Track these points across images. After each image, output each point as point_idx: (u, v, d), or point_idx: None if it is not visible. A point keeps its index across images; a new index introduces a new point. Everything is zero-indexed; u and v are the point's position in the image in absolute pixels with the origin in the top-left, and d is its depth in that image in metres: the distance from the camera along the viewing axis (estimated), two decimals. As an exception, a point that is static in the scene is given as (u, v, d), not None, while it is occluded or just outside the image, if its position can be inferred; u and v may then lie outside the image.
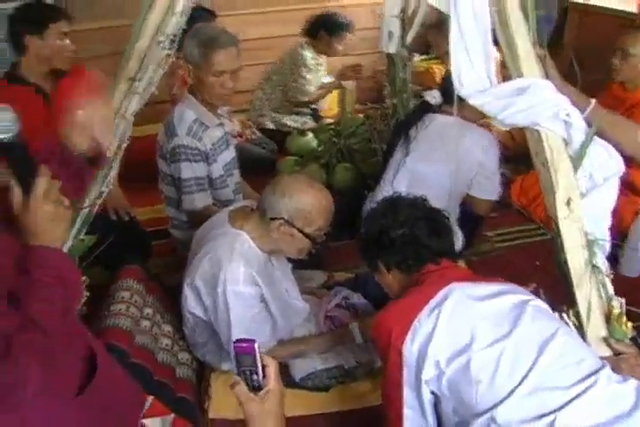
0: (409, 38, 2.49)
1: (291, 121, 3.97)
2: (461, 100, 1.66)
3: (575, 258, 1.49)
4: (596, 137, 1.50)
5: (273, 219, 1.81)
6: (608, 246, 1.56)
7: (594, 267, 1.53)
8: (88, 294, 1.82)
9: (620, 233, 2.41)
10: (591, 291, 1.49)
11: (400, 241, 1.62)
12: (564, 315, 1.53)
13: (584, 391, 1.29)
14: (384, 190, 2.57)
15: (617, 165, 1.51)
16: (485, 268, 2.50)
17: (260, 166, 3.50)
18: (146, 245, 2.80)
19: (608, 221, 1.54)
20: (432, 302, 1.43)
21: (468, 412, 1.37)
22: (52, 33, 2.38)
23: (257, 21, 4.34)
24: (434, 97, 2.62)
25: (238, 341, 1.10)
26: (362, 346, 1.99)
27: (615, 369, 1.42)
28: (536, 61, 1.50)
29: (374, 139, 3.32)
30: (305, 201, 1.79)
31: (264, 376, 1.11)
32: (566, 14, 3.75)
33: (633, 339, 1.54)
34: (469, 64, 1.55)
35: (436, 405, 1.46)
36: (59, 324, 1.11)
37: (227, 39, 2.26)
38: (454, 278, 1.51)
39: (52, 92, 2.49)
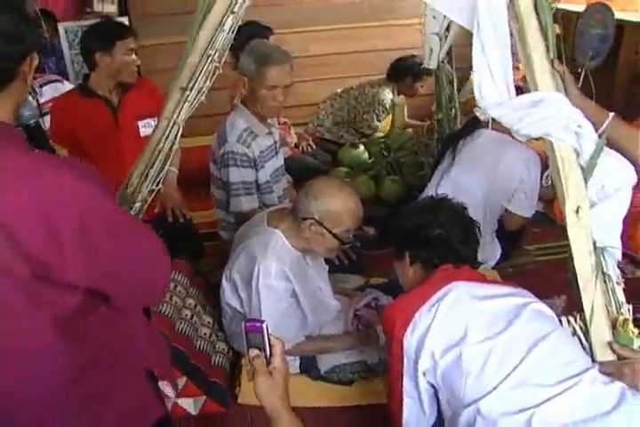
0: (441, 55, 2.60)
1: (347, 134, 4.11)
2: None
3: (582, 264, 1.55)
4: (607, 148, 1.56)
5: (305, 219, 1.95)
6: (619, 254, 1.60)
7: (604, 274, 1.58)
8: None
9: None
10: (596, 296, 1.54)
11: (435, 240, 1.71)
12: (571, 319, 1.58)
13: (566, 390, 1.35)
14: (427, 194, 2.67)
15: (629, 176, 1.57)
16: (519, 279, 2.52)
17: (313, 176, 3.63)
18: (197, 245, 2.98)
19: (619, 230, 1.59)
20: (434, 298, 1.53)
21: (458, 403, 1.45)
22: (119, 50, 2.55)
23: (317, 38, 4.52)
24: (483, 113, 2.69)
25: (249, 320, 1.20)
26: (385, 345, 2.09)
27: (618, 374, 1.47)
28: (551, 76, 1.58)
29: (421, 152, 3.41)
30: (334, 203, 1.93)
31: (271, 355, 1.18)
32: (622, 33, 3.73)
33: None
34: (490, 78, 1.64)
35: (437, 397, 1.55)
36: None
37: (280, 56, 2.42)
38: (461, 278, 1.60)
39: (120, 103, 2.68)
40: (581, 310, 1.58)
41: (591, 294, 1.53)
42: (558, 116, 1.54)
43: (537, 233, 3.07)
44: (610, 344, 1.54)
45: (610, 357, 1.54)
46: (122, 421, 1.25)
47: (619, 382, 1.41)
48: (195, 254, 2.82)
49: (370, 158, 3.80)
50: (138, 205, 1.99)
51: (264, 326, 1.16)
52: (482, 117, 2.72)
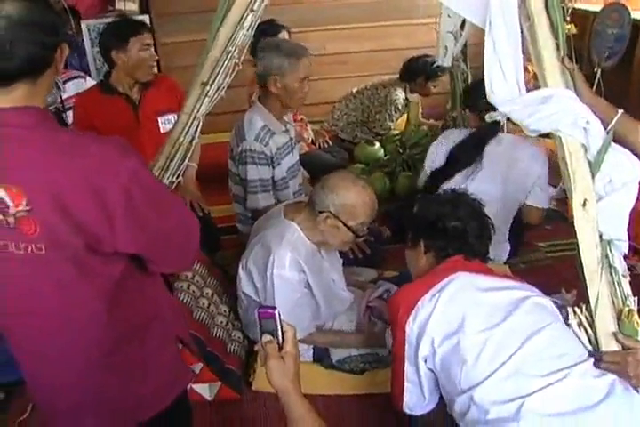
0: (455, 53, 2.64)
1: (361, 133, 4.15)
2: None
3: (588, 256, 1.59)
4: (615, 144, 1.60)
5: (321, 212, 2.01)
6: (625, 247, 1.64)
7: (610, 266, 1.62)
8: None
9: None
10: (602, 287, 1.58)
11: (451, 231, 1.76)
12: (577, 309, 1.62)
13: (557, 382, 1.40)
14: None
15: (636, 171, 1.61)
16: (530, 274, 2.57)
17: (330, 172, 3.69)
18: (215, 238, 3.05)
19: (625, 223, 1.63)
20: (436, 287, 1.58)
21: (454, 390, 1.50)
22: (134, 46, 2.59)
23: (335, 37, 4.57)
24: (491, 117, 2.72)
25: (262, 307, 1.24)
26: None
27: (623, 363, 1.51)
28: (560, 73, 1.63)
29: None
30: (350, 197, 1.98)
31: (283, 340, 1.22)
32: (639, 33, 3.74)
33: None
34: (501, 74, 1.69)
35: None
36: None
37: (304, 49, 2.53)
38: (467, 270, 1.64)
39: (140, 100, 2.74)
40: (587, 302, 1.62)
41: (596, 285, 1.57)
42: (567, 113, 1.58)
43: (549, 230, 3.11)
44: (614, 335, 1.57)
45: (615, 347, 1.57)
46: (156, 392, 1.33)
47: (610, 375, 1.46)
48: (212, 247, 2.89)
49: (385, 155, 3.85)
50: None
51: (276, 312, 1.20)
52: (498, 119, 2.74)
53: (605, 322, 1.58)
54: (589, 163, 1.60)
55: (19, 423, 2.10)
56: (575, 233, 1.62)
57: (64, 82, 3.21)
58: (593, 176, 1.60)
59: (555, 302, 1.72)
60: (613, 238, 1.61)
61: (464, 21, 2.48)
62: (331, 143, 4.09)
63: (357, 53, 4.52)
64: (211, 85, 2.02)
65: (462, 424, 1.50)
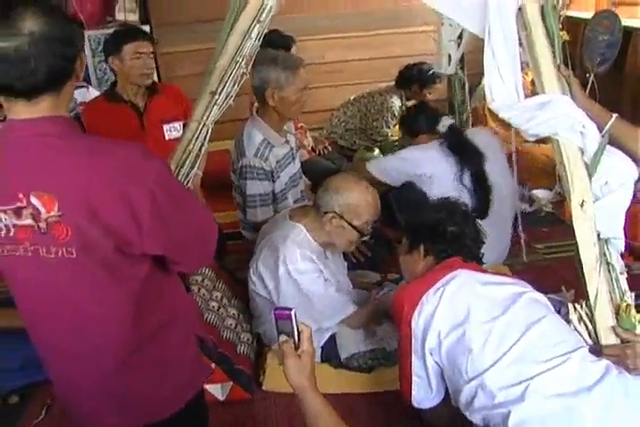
0: (455, 60, 2.73)
1: (360, 140, 4.22)
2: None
3: (586, 253, 1.67)
4: (610, 147, 1.68)
5: (326, 213, 2.08)
6: (622, 245, 1.72)
7: (608, 264, 1.70)
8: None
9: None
10: (600, 284, 1.65)
11: (450, 235, 1.84)
12: (577, 305, 1.70)
13: (557, 366, 1.49)
14: None
15: (631, 172, 1.69)
16: (529, 275, 2.64)
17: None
18: (222, 244, 3.11)
19: (621, 222, 1.71)
20: (439, 283, 1.66)
21: (460, 380, 1.58)
22: (127, 53, 2.63)
23: (333, 46, 4.65)
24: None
25: (278, 308, 1.29)
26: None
27: (622, 355, 1.59)
28: (557, 79, 1.71)
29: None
30: (353, 197, 2.06)
31: (299, 340, 1.28)
32: (630, 39, 3.84)
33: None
34: (500, 81, 1.77)
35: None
36: None
37: (300, 60, 2.55)
38: (465, 267, 1.73)
39: (145, 108, 2.78)
40: (587, 298, 1.69)
41: (595, 281, 1.65)
42: (564, 117, 1.67)
43: (546, 232, 3.19)
44: (613, 329, 1.65)
45: (614, 340, 1.65)
46: (175, 390, 1.38)
47: (605, 360, 1.55)
48: (219, 252, 2.94)
49: (384, 161, 3.90)
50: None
51: (292, 313, 1.25)
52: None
53: (604, 317, 1.66)
54: (586, 165, 1.68)
55: (34, 426, 2.15)
56: (573, 233, 1.70)
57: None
58: (590, 178, 1.68)
59: (553, 299, 1.81)
60: (610, 237, 1.69)
61: (462, 30, 2.56)
62: (330, 149, 4.16)
63: (356, 62, 4.60)
64: (219, 94, 2.09)
65: (468, 413, 1.57)
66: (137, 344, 1.28)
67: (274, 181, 2.62)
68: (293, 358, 1.26)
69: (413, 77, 3.73)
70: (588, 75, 3.38)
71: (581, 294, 1.75)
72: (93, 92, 3.37)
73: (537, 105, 1.70)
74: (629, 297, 1.68)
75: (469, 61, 2.93)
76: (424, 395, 1.71)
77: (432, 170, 2.77)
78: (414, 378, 1.68)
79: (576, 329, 1.69)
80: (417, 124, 2.87)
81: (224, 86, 2.08)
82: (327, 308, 2.10)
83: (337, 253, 2.37)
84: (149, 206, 1.13)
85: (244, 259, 3.02)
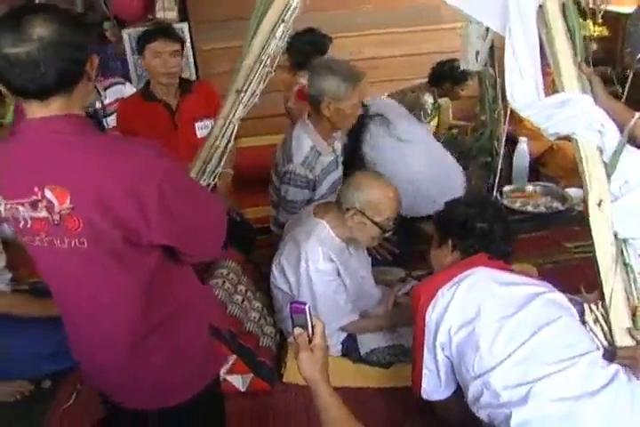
0: (482, 57, 2.71)
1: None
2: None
3: (603, 254, 1.66)
4: (630, 147, 1.66)
5: (348, 209, 2.11)
6: (641, 245, 1.70)
7: (626, 265, 1.68)
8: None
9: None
10: (616, 285, 1.63)
11: (479, 231, 1.84)
12: (594, 306, 1.68)
13: (564, 369, 1.48)
14: None
15: (651, 172, 1.66)
16: (555, 275, 2.62)
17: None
18: (251, 239, 3.15)
19: (640, 222, 1.69)
20: (456, 278, 1.67)
21: (468, 376, 1.59)
22: (148, 53, 2.69)
23: (370, 42, 4.65)
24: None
25: (294, 302, 1.33)
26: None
27: (636, 357, 1.57)
28: (577, 78, 1.69)
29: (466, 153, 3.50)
30: (374, 193, 2.09)
31: (313, 334, 1.32)
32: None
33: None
34: (521, 80, 1.77)
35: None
36: None
37: (361, 73, 2.48)
38: (487, 265, 1.72)
39: (177, 106, 2.82)
40: (603, 298, 1.67)
41: (611, 282, 1.64)
42: (583, 116, 1.66)
43: (577, 231, 3.12)
44: (629, 330, 1.63)
45: (629, 342, 1.63)
46: (186, 378, 1.43)
47: (615, 365, 1.53)
48: (248, 247, 2.98)
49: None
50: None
51: (307, 307, 1.29)
52: None
53: (620, 318, 1.64)
54: (605, 164, 1.66)
55: (64, 410, 2.24)
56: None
57: (105, 89, 3.36)
58: (608, 177, 1.66)
59: (574, 300, 1.79)
60: (628, 237, 1.67)
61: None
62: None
63: (390, 58, 4.59)
64: (245, 92, 2.15)
65: (475, 409, 1.58)
66: (147, 331, 1.34)
67: (314, 190, 2.61)
68: (306, 352, 1.30)
69: (445, 75, 3.71)
70: (628, 71, 3.31)
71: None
72: (130, 89, 3.45)
73: (556, 103, 1.69)
74: (648, 299, 1.66)
75: (500, 57, 2.90)
76: (433, 387, 1.72)
77: None
78: (424, 370, 1.70)
79: (592, 330, 1.67)
80: None
81: (249, 85, 2.14)
82: (328, 312, 2.12)
83: (361, 249, 2.40)
84: (157, 200, 1.19)
85: (271, 253, 3.09)
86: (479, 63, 2.76)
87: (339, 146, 2.77)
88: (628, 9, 4.00)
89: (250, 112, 2.23)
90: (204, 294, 1.59)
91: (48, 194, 1.18)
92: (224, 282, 2.35)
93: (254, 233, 3.16)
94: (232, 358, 2.14)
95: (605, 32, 3.98)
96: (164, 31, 2.77)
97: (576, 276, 2.74)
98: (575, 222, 3.06)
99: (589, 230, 2.89)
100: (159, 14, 4.67)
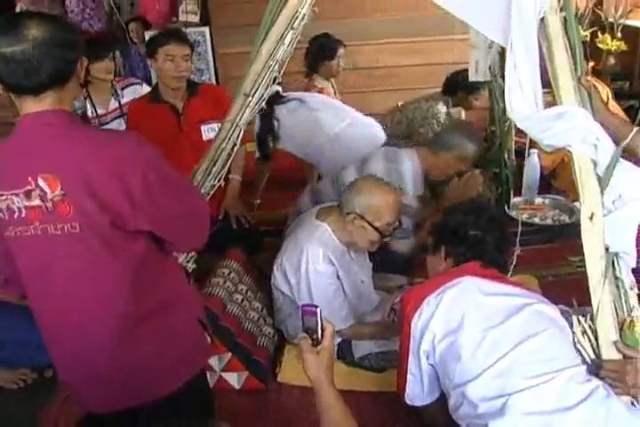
0: (485, 67, 2.73)
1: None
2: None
3: (592, 266, 1.66)
4: (624, 161, 1.67)
5: (348, 213, 2.15)
6: (633, 260, 1.70)
7: (616, 278, 1.69)
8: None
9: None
10: (603, 298, 1.64)
11: (472, 239, 1.84)
12: (581, 318, 1.69)
13: (541, 383, 1.49)
14: None
15: (645, 187, 1.67)
16: (556, 287, 2.63)
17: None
18: (257, 241, 3.18)
19: (633, 236, 1.69)
20: (442, 287, 1.69)
21: (449, 385, 1.61)
22: (160, 56, 2.73)
23: (387, 51, 4.70)
24: None
25: (305, 305, 1.36)
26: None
27: (622, 372, 1.58)
28: (575, 91, 1.71)
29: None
30: (374, 199, 2.12)
31: (322, 336, 1.34)
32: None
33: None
34: (520, 93, 1.78)
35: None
36: None
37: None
38: (477, 274, 1.74)
39: (183, 108, 2.85)
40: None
41: (599, 295, 1.64)
42: (578, 129, 1.67)
43: (582, 245, 3.12)
44: (615, 344, 1.63)
45: (615, 356, 1.63)
46: (172, 368, 1.47)
47: (595, 381, 1.53)
48: (254, 250, 3.01)
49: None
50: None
51: (318, 310, 1.33)
52: None
53: (606, 331, 1.65)
54: (599, 178, 1.68)
55: (66, 397, 2.30)
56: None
57: (122, 88, 3.43)
58: (602, 191, 1.67)
59: (567, 312, 1.80)
60: (620, 251, 1.68)
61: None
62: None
63: (407, 67, 4.63)
64: (252, 96, 2.19)
65: (455, 417, 1.60)
66: (137, 321, 1.39)
67: None
68: (312, 354, 1.33)
69: (459, 84, 3.72)
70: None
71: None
72: (146, 90, 3.51)
73: (553, 116, 1.71)
74: (638, 314, 1.66)
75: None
76: (417, 393, 1.75)
77: None
78: (409, 376, 1.73)
79: (579, 342, 1.68)
80: None
81: (257, 89, 2.18)
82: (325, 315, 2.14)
83: (362, 254, 2.43)
84: (141, 185, 1.28)
85: (274, 256, 3.13)
86: (485, 74, 2.78)
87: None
88: (646, 24, 3.99)
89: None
90: (192, 292, 1.64)
91: (41, 182, 1.26)
92: (225, 281, 2.39)
93: (261, 236, 3.20)
94: (228, 356, 2.19)
95: (624, 46, 3.97)
96: (177, 35, 2.82)
97: (576, 290, 2.74)
98: (580, 236, 3.06)
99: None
100: (182, 17, 4.77)
